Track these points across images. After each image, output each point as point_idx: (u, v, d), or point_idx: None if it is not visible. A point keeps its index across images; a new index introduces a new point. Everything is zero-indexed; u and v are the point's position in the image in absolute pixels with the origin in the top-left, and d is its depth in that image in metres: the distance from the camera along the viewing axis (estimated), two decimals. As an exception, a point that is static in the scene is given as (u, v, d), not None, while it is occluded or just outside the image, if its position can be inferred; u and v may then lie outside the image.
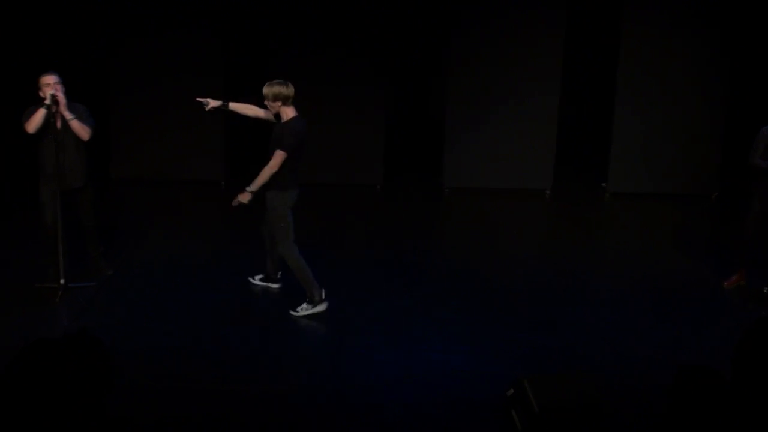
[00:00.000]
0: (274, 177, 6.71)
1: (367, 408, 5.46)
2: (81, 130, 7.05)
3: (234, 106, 7.14)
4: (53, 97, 6.82)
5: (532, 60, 11.04)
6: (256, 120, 7.20)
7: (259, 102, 6.91)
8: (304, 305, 6.91)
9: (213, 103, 7.05)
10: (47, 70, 7.04)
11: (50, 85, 6.87)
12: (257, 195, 6.77)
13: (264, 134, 7.11)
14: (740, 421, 2.66)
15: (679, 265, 8.59)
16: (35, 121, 6.84)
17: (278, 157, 6.63)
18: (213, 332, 6.61)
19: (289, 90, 6.66)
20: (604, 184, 11.54)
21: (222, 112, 7.23)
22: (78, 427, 2.48)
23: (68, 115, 6.94)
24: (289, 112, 6.72)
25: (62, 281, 7.04)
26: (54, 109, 6.85)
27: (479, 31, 11.00)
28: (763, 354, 2.65)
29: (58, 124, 6.94)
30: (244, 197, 6.72)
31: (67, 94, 6.99)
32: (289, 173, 6.77)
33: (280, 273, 7.43)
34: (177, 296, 7.33)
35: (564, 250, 9.19)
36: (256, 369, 6.00)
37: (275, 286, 7.48)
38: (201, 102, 7.07)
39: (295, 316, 6.88)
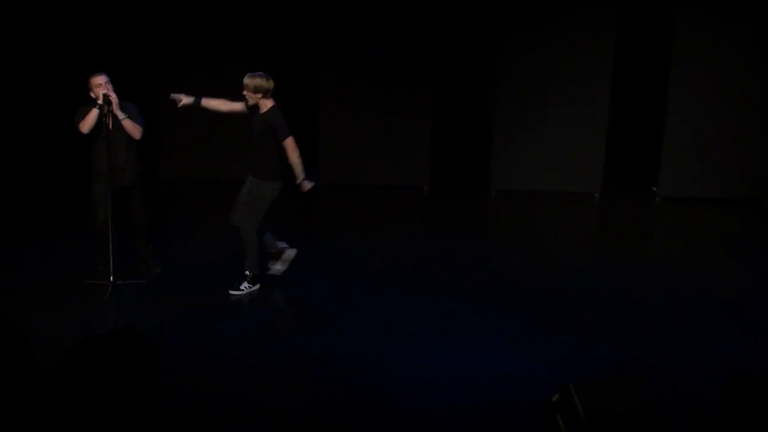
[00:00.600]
0: (271, 167, 7.02)
1: (411, 409, 5.45)
2: (133, 129, 7.17)
3: (206, 102, 7.31)
4: (105, 97, 6.94)
5: (582, 60, 10.94)
6: (229, 115, 7.41)
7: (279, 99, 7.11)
8: (246, 284, 7.28)
9: (185, 100, 7.20)
10: (96, 71, 7.15)
11: (101, 85, 6.98)
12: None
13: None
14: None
15: (730, 272, 8.45)
16: (88, 121, 6.99)
17: (291, 142, 6.95)
18: (257, 332, 6.67)
19: (269, 84, 6.97)
20: (654, 188, 11.40)
21: (194, 108, 7.34)
22: (129, 422, 2.51)
23: (121, 115, 7.06)
24: (267, 103, 7.01)
25: (112, 278, 7.14)
26: (106, 109, 6.97)
27: (529, 29, 10.93)
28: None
29: (110, 124, 7.08)
30: (306, 185, 7.09)
31: (117, 92, 7.11)
32: (279, 163, 7.08)
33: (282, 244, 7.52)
34: (224, 295, 7.40)
35: (613, 254, 9.10)
36: (301, 370, 6.01)
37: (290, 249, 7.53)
38: (174, 98, 7.18)
39: (237, 295, 7.24)
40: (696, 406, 5.42)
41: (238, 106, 7.20)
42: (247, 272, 7.30)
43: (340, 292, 7.51)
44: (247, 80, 6.93)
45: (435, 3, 11.00)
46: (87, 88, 7.10)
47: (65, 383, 2.50)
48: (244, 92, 6.95)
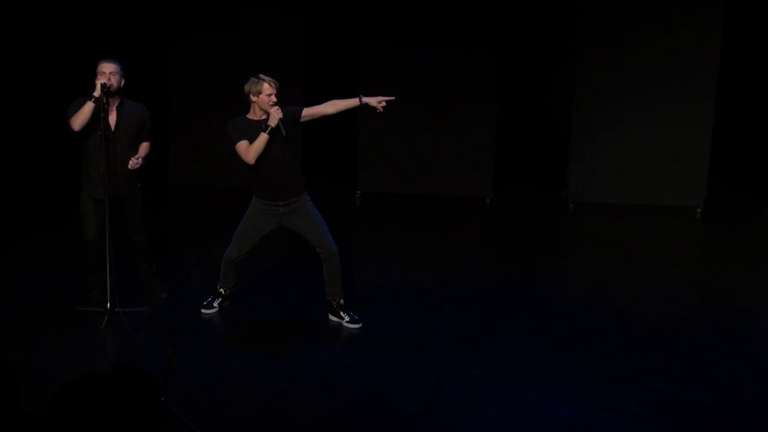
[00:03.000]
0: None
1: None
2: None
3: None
4: (104, 87, 6.87)
5: (679, 56, 10.87)
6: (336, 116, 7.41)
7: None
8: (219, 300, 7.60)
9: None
10: (108, 57, 7.09)
11: (104, 74, 6.93)
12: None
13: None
14: None
15: None
16: (82, 116, 6.89)
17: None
18: (279, 365, 6.62)
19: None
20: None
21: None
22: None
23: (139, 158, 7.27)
24: None
25: (108, 305, 7.12)
26: (104, 101, 6.91)
27: (616, 13, 10.88)
28: None
29: (111, 120, 7.08)
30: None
31: (126, 91, 7.15)
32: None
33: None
34: (243, 325, 7.42)
35: (720, 281, 8.98)
36: (339, 416, 6.00)
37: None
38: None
39: (209, 313, 7.53)
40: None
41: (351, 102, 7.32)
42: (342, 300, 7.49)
43: (388, 324, 7.46)
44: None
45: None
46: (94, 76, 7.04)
47: (55, 426, 2.52)
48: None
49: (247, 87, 7.01)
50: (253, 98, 6.99)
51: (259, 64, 10.91)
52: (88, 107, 6.89)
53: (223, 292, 7.60)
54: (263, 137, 6.88)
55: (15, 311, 7.47)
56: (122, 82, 7.09)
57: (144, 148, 7.42)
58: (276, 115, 6.87)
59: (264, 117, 6.96)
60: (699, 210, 11.23)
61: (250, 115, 7.07)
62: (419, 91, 11.03)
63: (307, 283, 8.19)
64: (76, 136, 7.09)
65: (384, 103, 7.15)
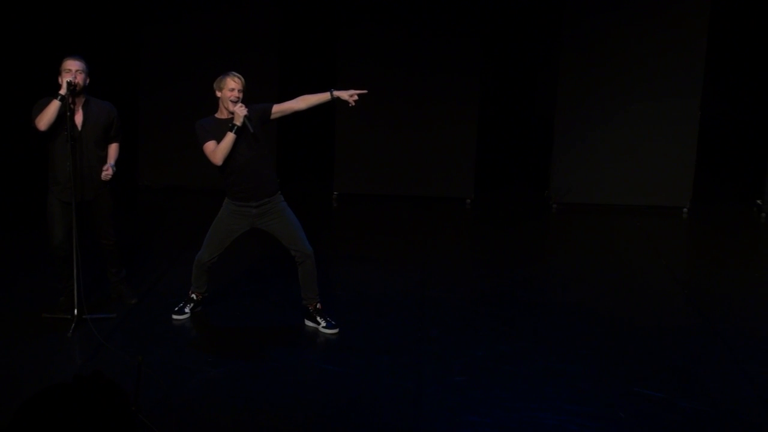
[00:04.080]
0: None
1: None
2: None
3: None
4: (70, 85, 6.85)
5: (666, 51, 10.94)
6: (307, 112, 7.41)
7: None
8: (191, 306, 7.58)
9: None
10: (72, 54, 7.08)
11: (70, 71, 6.92)
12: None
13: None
14: None
15: None
16: (47, 115, 6.85)
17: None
18: (253, 372, 6.60)
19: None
20: (759, 202, 11.35)
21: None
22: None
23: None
24: None
25: (76, 312, 7.09)
26: (71, 100, 6.89)
27: (598, 18, 10.96)
28: None
29: (77, 120, 7.05)
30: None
31: (92, 89, 7.12)
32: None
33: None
34: (215, 333, 7.41)
35: (709, 284, 9.05)
36: (315, 424, 6.00)
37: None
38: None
39: (180, 319, 7.52)
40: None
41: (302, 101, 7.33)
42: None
43: (367, 329, 7.46)
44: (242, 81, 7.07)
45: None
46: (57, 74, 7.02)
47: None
48: (240, 94, 7.02)
49: (215, 82, 7.02)
50: (218, 94, 7.00)
51: (232, 59, 11.03)
52: (54, 106, 6.86)
53: (194, 297, 7.57)
54: (230, 137, 6.88)
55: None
56: (87, 81, 7.07)
57: (114, 149, 7.38)
58: (240, 112, 6.85)
59: (231, 116, 6.95)
60: (685, 210, 11.30)
61: (218, 114, 7.07)
62: (398, 89, 11.05)
63: (281, 288, 8.17)
64: (42, 137, 7.05)
65: (356, 97, 7.17)
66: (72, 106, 6.96)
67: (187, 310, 7.57)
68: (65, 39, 10.84)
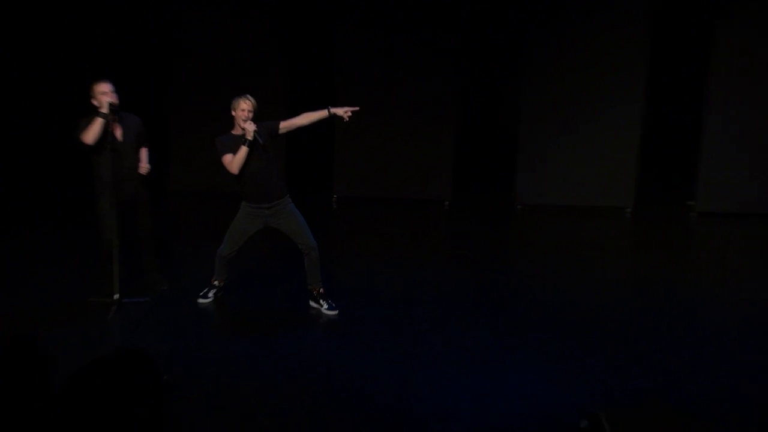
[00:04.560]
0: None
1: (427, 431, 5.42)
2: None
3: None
4: (111, 105, 6.92)
5: (614, 68, 10.93)
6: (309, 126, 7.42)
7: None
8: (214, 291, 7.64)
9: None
10: (101, 78, 7.11)
11: (107, 93, 6.96)
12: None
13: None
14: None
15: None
16: (93, 131, 6.91)
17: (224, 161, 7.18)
18: (266, 348, 6.63)
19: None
20: (691, 203, 11.36)
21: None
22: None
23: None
24: None
25: (116, 296, 7.15)
26: (111, 118, 6.96)
27: (558, 36, 10.92)
28: None
29: (117, 134, 7.09)
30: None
31: (122, 103, 7.13)
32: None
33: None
34: (235, 315, 7.42)
35: (647, 273, 9.04)
36: (303, 391, 5.99)
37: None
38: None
39: (204, 303, 7.58)
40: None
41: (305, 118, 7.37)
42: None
43: (364, 312, 7.47)
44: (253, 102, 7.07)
45: (459, 6, 11.04)
46: (89, 95, 7.05)
47: (72, 405, 2.53)
48: (251, 114, 7.03)
49: (232, 102, 7.07)
50: (233, 113, 7.04)
51: (247, 82, 11.03)
52: (99, 123, 6.92)
53: (217, 284, 7.64)
54: (243, 149, 6.94)
55: (35, 301, 7.47)
56: (117, 98, 7.12)
57: (144, 152, 7.52)
58: (249, 128, 6.91)
59: (244, 131, 6.99)
60: (629, 210, 11.30)
61: (234, 131, 7.11)
62: (387, 106, 11.06)
63: (290, 276, 8.16)
64: (88, 149, 7.07)
65: (350, 113, 7.22)
66: (112, 122, 7.00)
67: (210, 295, 7.63)
68: (108, 63, 10.84)
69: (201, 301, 7.59)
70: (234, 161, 6.97)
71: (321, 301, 7.49)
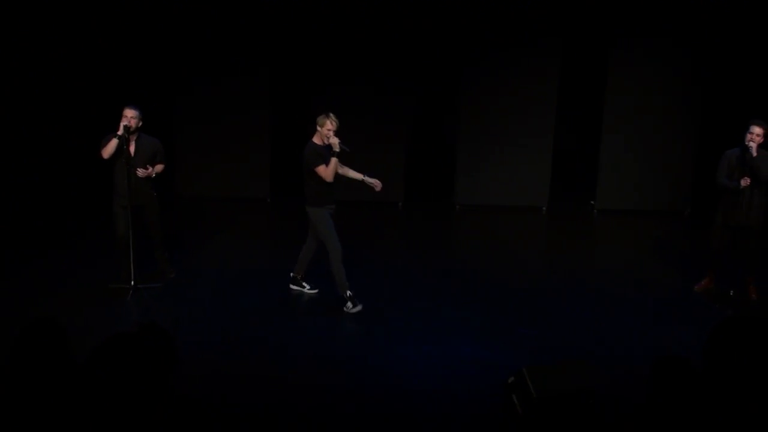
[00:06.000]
0: (311, 194, 7.02)
1: (388, 390, 5.45)
2: (160, 170, 7.34)
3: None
4: (126, 128, 6.91)
5: (531, 99, 11.07)
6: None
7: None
8: (349, 305, 6.95)
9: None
10: (131, 104, 7.11)
11: (126, 117, 6.96)
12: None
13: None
14: (710, 405, 2.64)
15: (657, 272, 8.51)
16: (109, 149, 6.92)
17: (320, 170, 6.91)
18: (257, 327, 6.61)
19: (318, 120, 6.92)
20: (593, 202, 11.50)
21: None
22: (151, 405, 2.51)
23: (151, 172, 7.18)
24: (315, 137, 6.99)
25: (132, 282, 7.10)
26: (125, 138, 6.93)
27: (486, 73, 11.05)
28: (729, 347, 2.64)
29: (131, 150, 7.06)
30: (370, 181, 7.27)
31: (144, 127, 7.12)
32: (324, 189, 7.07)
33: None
34: (231, 297, 7.37)
35: (560, 259, 9.14)
36: (291, 359, 5.99)
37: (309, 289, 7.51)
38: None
39: (347, 311, 6.94)
40: (632, 384, 5.43)
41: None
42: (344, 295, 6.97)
43: (335, 297, 7.45)
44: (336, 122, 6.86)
45: (410, 47, 11.08)
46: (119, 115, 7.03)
47: (95, 373, 2.51)
48: (334, 129, 6.84)
49: (318, 119, 6.85)
50: (319, 128, 6.85)
51: (238, 112, 11.02)
52: (114, 143, 6.93)
53: (349, 293, 6.99)
54: (334, 160, 6.86)
55: (65, 286, 7.38)
56: (140, 123, 7.08)
57: (159, 167, 7.37)
58: (335, 142, 6.80)
59: (326, 142, 6.85)
60: (544, 208, 11.41)
61: (316, 140, 6.92)
62: (353, 123, 10.92)
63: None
64: (105, 163, 7.07)
65: (380, 186, 7.28)
66: (127, 140, 6.96)
67: (357, 303, 6.98)
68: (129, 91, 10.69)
69: (354, 309, 6.94)
70: (329, 170, 6.83)
71: (303, 284, 7.43)
